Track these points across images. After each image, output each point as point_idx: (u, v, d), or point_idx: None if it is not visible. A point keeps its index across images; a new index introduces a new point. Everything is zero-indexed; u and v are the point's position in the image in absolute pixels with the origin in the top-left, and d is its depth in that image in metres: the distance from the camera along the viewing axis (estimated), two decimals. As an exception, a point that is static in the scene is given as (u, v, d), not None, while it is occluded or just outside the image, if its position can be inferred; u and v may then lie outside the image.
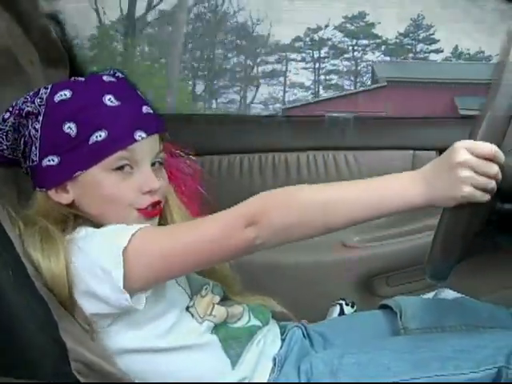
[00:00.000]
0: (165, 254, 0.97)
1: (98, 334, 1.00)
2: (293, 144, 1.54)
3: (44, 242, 1.00)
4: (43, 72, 1.29)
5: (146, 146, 1.04)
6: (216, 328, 1.07)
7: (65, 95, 1.03)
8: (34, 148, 1.04)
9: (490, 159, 0.89)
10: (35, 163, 1.04)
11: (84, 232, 1.02)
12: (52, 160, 1.03)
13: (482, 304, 1.22)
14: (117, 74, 1.09)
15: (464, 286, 1.33)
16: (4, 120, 1.06)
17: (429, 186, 0.90)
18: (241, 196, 1.52)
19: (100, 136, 1.01)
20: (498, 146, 0.91)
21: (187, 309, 1.06)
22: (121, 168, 1.02)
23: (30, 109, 1.04)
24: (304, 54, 10.81)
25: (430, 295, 1.39)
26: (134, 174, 1.03)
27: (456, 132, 1.44)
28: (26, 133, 1.05)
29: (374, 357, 1.07)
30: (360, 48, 10.01)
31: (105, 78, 1.08)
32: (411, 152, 1.48)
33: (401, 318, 1.18)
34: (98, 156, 1.01)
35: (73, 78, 1.10)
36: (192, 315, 1.06)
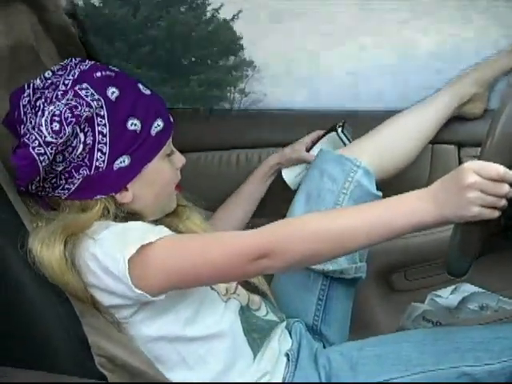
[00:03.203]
0: (172, 272, 0.97)
1: (122, 324, 1.01)
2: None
3: (47, 237, 0.97)
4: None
5: None
6: (242, 310, 1.09)
7: (115, 92, 1.01)
8: (99, 154, 1.00)
9: (500, 180, 0.89)
10: (101, 169, 1.01)
11: (102, 230, 1.00)
12: (123, 161, 1.02)
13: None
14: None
15: (484, 281, 1.33)
16: (57, 132, 0.95)
17: (438, 205, 0.91)
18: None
19: (159, 125, 1.04)
20: None
21: (211, 287, 1.08)
22: (171, 152, 1.08)
23: (88, 114, 0.98)
24: None
25: (450, 289, 1.39)
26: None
27: (475, 126, 1.45)
28: (89, 140, 0.99)
29: (394, 349, 1.09)
30: None
31: (111, 67, 1.07)
32: (430, 146, 1.47)
33: None
34: (160, 145, 1.05)
35: (98, 74, 1.02)
36: (218, 293, 1.08)
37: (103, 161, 1.01)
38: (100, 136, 1.00)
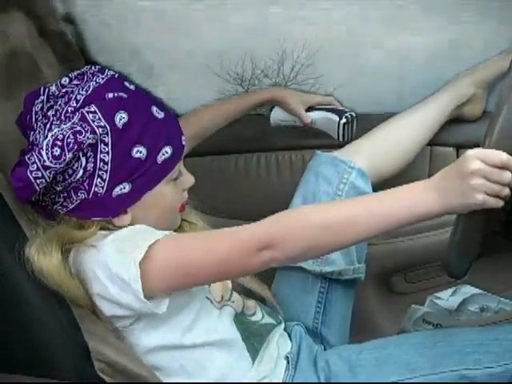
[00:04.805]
0: (178, 271, 0.96)
1: (121, 332, 1.01)
2: (310, 142, 1.53)
3: (44, 245, 0.97)
4: (60, 74, 1.30)
5: None
6: (237, 317, 1.09)
7: (123, 118, 0.98)
8: (99, 180, 0.99)
9: (503, 167, 0.88)
10: (99, 195, 0.99)
11: (105, 238, 0.99)
12: (123, 188, 1.00)
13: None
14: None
15: (484, 283, 1.33)
16: (56, 157, 0.94)
17: (441, 195, 0.89)
18: (258, 195, 1.53)
19: (167, 152, 1.02)
20: None
21: (206, 296, 1.08)
22: (179, 174, 1.06)
23: (91, 141, 0.96)
24: None
25: (450, 291, 1.38)
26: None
27: (474, 128, 1.45)
28: (89, 167, 0.98)
29: (393, 352, 1.08)
30: None
31: (127, 84, 1.04)
32: (428, 148, 1.47)
33: None
34: (165, 172, 1.03)
35: (110, 95, 0.99)
36: (211, 301, 1.08)
37: (102, 187, 0.99)
38: (101, 163, 0.98)
